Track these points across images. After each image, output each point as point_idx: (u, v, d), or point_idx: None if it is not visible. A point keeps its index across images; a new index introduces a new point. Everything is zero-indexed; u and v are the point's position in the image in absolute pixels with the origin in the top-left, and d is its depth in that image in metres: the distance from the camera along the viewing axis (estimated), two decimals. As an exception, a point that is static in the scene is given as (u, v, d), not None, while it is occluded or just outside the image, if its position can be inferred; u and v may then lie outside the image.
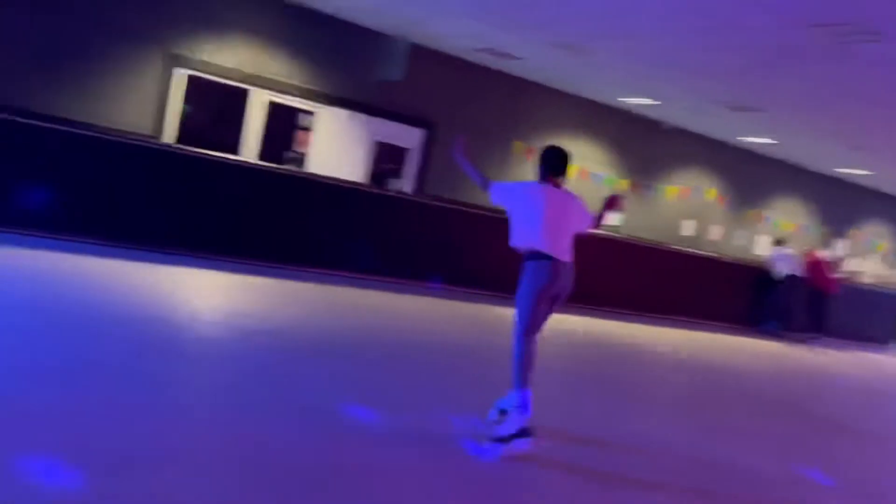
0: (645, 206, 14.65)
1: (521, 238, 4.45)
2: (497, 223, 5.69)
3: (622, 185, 14.17)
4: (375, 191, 10.22)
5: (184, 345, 5.07)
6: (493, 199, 4.65)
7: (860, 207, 18.18)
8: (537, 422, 4.30)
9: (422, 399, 4.94)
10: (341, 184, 9.10)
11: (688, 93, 11.21)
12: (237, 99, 10.74)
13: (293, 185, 8.71)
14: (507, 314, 5.22)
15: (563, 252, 4.36)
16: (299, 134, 11.27)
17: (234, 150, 10.80)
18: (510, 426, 4.21)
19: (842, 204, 17.63)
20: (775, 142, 14.12)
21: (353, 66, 11.22)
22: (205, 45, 10.17)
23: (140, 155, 7.81)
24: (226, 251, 8.10)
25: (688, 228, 15.31)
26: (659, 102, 12.47)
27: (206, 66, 10.25)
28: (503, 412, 4.38)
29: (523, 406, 4.24)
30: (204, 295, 6.77)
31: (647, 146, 14.41)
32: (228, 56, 10.36)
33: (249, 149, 10.83)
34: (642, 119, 14.08)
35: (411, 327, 7.23)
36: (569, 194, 4.51)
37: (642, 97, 12.34)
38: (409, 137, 12.14)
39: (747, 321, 11.89)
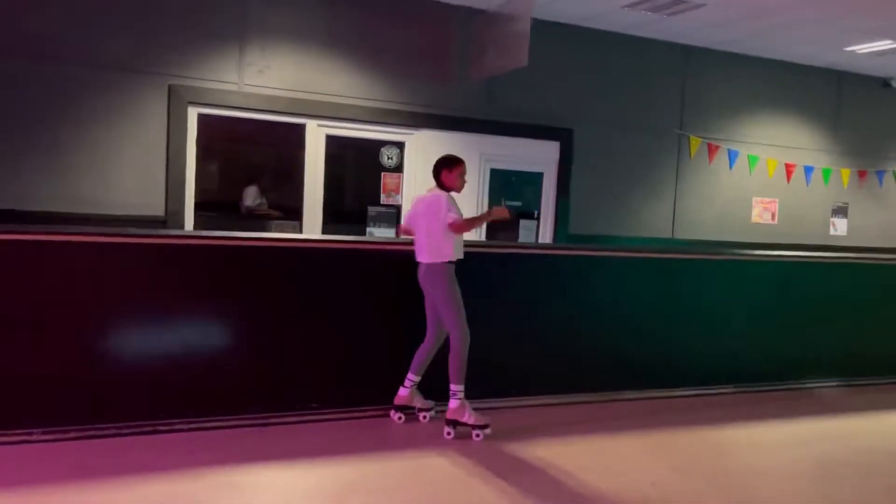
0: (876, 201, 10.28)
1: None
2: None
3: (843, 175, 9.92)
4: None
5: None
6: None
7: None
8: None
9: None
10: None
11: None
12: (288, 138, 7.40)
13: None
14: None
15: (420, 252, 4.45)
16: (384, 176, 7.75)
17: (296, 215, 7.44)
18: None
19: None
20: None
21: (449, 65, 7.69)
22: (227, 67, 6.88)
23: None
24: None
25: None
26: (901, 45, 8.30)
27: (234, 98, 6.94)
28: None
29: None
30: None
31: (873, 117, 10.09)
32: (264, 78, 7.02)
33: (313, 208, 7.41)
34: (865, 79, 9.84)
35: None
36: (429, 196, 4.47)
37: (881, 39, 8.18)
38: (538, 157, 8.44)
39: None
